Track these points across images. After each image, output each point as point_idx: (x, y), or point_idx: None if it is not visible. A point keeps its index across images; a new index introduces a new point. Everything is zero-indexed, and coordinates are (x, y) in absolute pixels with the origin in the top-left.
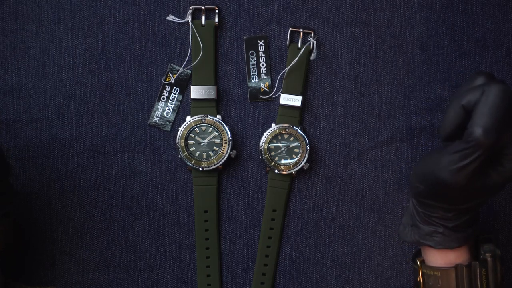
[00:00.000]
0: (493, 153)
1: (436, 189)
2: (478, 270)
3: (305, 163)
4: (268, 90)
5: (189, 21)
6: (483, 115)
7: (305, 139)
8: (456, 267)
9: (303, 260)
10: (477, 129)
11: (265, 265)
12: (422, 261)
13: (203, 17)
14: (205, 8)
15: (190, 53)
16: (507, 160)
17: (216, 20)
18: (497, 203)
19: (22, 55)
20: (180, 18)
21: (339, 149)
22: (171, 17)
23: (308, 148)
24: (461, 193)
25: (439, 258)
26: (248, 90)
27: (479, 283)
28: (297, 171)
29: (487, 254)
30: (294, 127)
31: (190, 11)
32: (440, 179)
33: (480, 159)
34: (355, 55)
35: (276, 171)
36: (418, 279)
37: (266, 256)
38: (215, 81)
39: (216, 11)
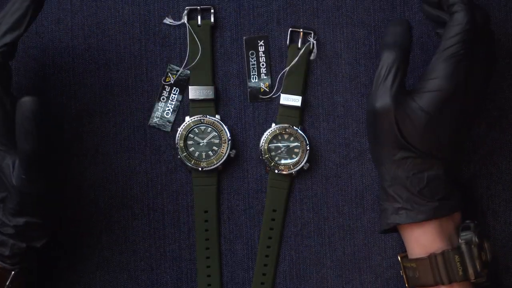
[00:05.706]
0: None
1: (372, 122)
2: (451, 258)
3: (305, 163)
4: (268, 90)
5: (185, 22)
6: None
7: (305, 139)
8: (430, 256)
9: (303, 260)
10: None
11: (265, 265)
12: (403, 256)
13: (199, 17)
14: (200, 8)
15: (188, 53)
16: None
17: (212, 19)
18: (497, 203)
19: (22, 55)
20: (180, 18)
21: (339, 149)
22: (167, 20)
23: (308, 148)
24: (395, 122)
25: (415, 247)
26: (248, 90)
27: (454, 270)
28: (297, 171)
29: (460, 241)
30: (294, 127)
31: (185, 12)
32: (370, 105)
33: (392, 71)
34: (355, 55)
35: (276, 171)
36: (401, 273)
37: (266, 256)
38: (213, 81)
39: (212, 11)
